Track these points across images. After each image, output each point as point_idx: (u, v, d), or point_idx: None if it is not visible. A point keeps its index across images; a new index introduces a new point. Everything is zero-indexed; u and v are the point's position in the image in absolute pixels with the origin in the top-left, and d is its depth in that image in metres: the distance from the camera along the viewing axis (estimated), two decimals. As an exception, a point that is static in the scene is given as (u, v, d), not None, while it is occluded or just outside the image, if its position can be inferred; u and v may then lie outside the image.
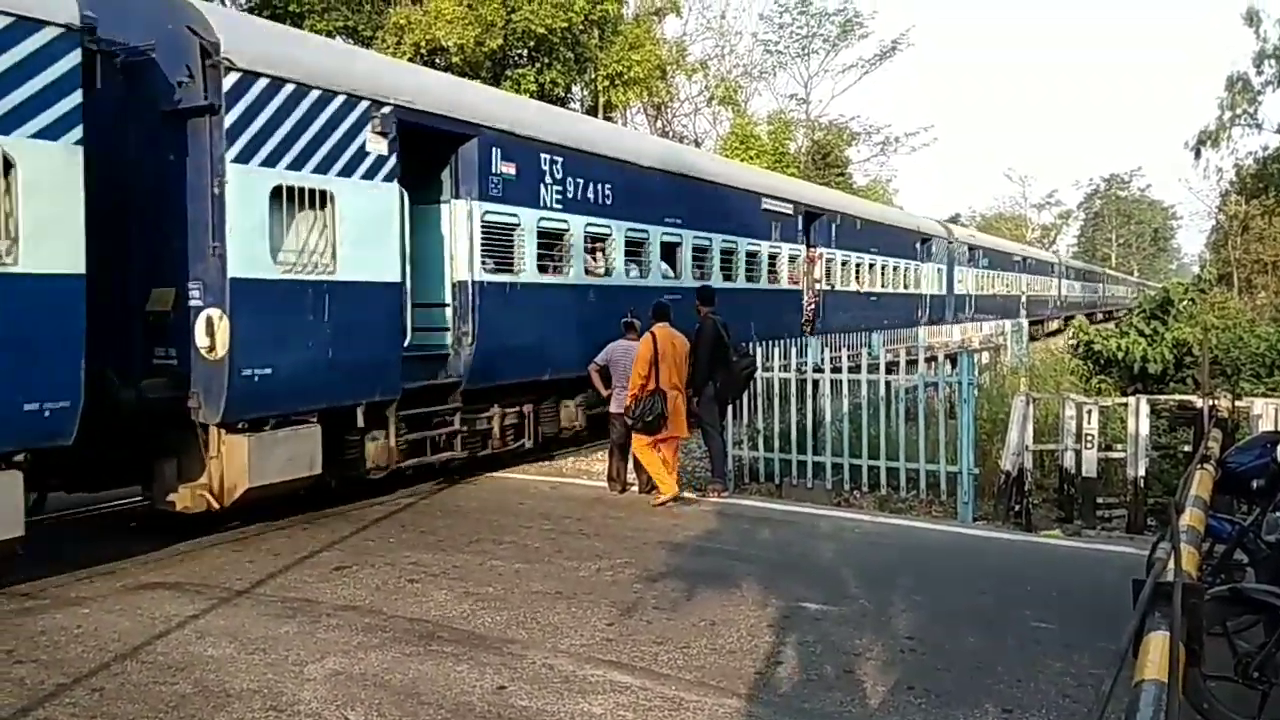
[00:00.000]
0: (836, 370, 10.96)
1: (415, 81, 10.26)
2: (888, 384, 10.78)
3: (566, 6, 22.62)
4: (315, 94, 8.26)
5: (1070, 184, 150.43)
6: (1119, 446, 10.40)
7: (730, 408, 10.70)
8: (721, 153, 32.86)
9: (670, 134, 34.96)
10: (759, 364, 10.95)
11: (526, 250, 10.88)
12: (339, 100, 8.50)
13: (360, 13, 21.83)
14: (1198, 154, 35.99)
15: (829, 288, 19.89)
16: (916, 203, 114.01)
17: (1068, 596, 6.51)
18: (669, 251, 14.18)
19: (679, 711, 4.62)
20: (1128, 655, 2.78)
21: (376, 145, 8.84)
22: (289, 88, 8.02)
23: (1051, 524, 9.92)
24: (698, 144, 35.79)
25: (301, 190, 8.10)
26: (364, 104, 8.73)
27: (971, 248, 32.52)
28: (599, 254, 12.37)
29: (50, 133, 6.28)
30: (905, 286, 25.32)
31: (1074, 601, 6.37)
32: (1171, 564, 3.20)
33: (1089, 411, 10.26)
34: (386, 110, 8.89)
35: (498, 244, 10.49)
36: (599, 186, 12.16)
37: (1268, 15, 32.83)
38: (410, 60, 19.53)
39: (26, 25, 6.15)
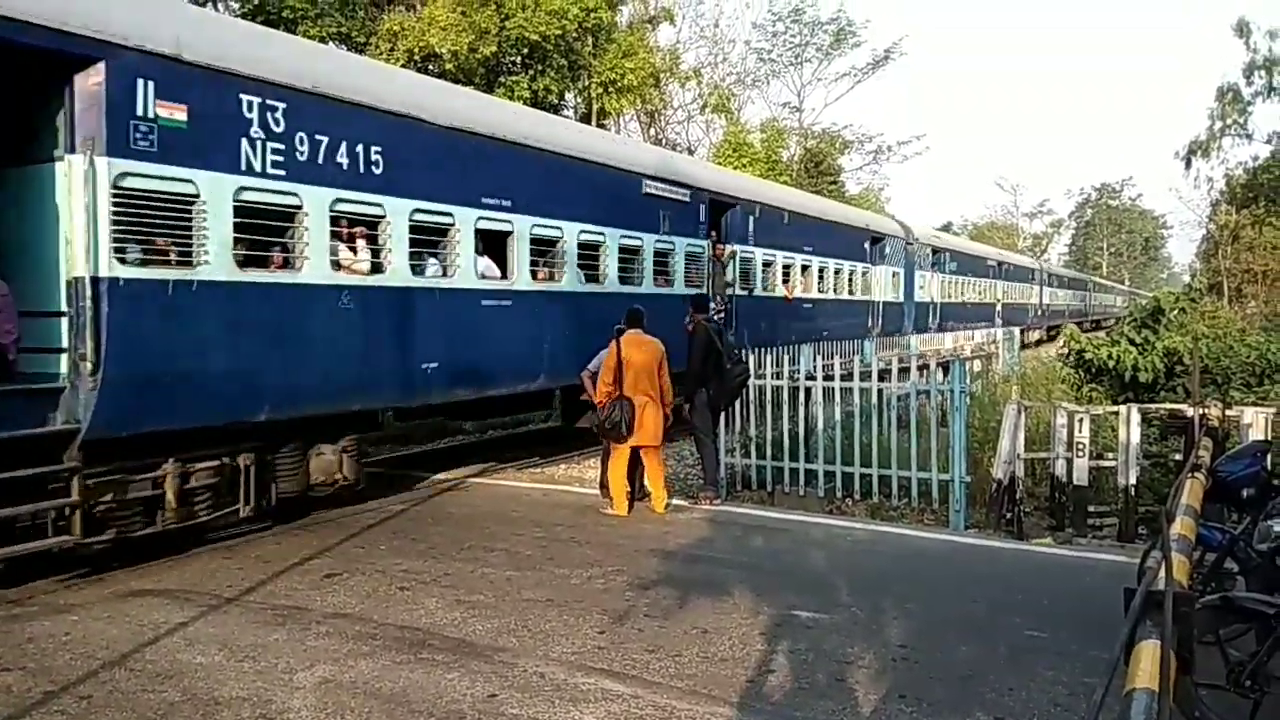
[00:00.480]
0: (829, 378, 10.97)
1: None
2: (880, 391, 10.77)
3: (560, 14, 22.64)
4: None
5: (1062, 193, 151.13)
6: (1110, 455, 10.41)
7: (723, 415, 10.70)
8: (715, 160, 32.89)
9: (664, 141, 35.00)
10: (751, 371, 10.96)
11: (212, 234, 7.43)
12: None
13: (353, 19, 21.81)
14: (1188, 164, 36.31)
15: (744, 292, 16.40)
16: (909, 211, 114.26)
17: (1059, 605, 6.51)
18: (495, 242, 10.79)
19: (670, 720, 4.61)
20: (1119, 664, 2.78)
21: None
22: None
23: (1043, 532, 9.92)
24: (690, 152, 35.86)
25: None
26: None
27: (936, 250, 29.40)
28: (363, 242, 9.01)
29: None
30: (850, 292, 21.98)
31: (1065, 610, 6.37)
32: (1163, 572, 3.20)
33: (1080, 420, 10.28)
34: None
35: (153, 223, 7.07)
36: (359, 148, 8.70)
37: (1258, 27, 33.14)
38: (404, 66, 19.53)
39: None
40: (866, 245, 23.05)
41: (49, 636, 5.70)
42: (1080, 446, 10.15)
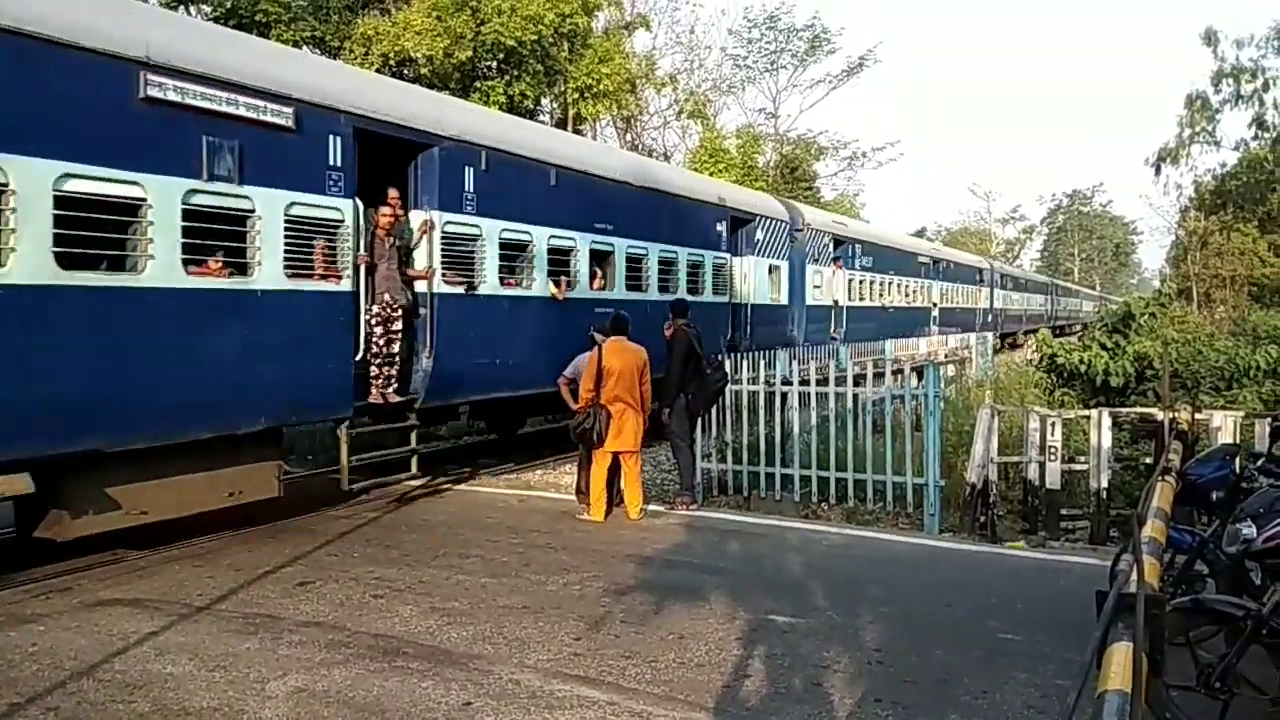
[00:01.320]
0: (805, 383, 11.01)
1: None
2: (855, 396, 10.83)
3: (536, 19, 22.62)
4: None
5: (1034, 199, 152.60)
6: (1082, 459, 10.53)
7: (700, 421, 10.71)
8: (691, 166, 32.96)
9: (640, 147, 35.04)
10: (729, 376, 10.98)
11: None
12: None
13: (327, 23, 21.69)
14: (1158, 170, 36.78)
15: (460, 288, 10.58)
16: (883, 217, 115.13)
17: (1032, 607, 6.55)
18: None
19: (647, 726, 4.59)
20: (1091, 667, 2.80)
21: None
22: None
23: (1016, 535, 10.01)
24: (667, 158, 35.93)
25: None
26: None
27: (840, 240, 23.49)
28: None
29: None
30: (694, 290, 15.58)
31: (1038, 612, 6.41)
32: (1134, 575, 3.22)
33: (1052, 424, 10.39)
34: None
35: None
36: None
37: (1225, 36, 33.65)
38: (379, 71, 19.45)
39: None
40: (722, 228, 16.74)
41: (15, 647, 5.60)
42: (1053, 450, 10.26)
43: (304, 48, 20.25)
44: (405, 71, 21.36)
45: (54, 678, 5.15)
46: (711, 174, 29.60)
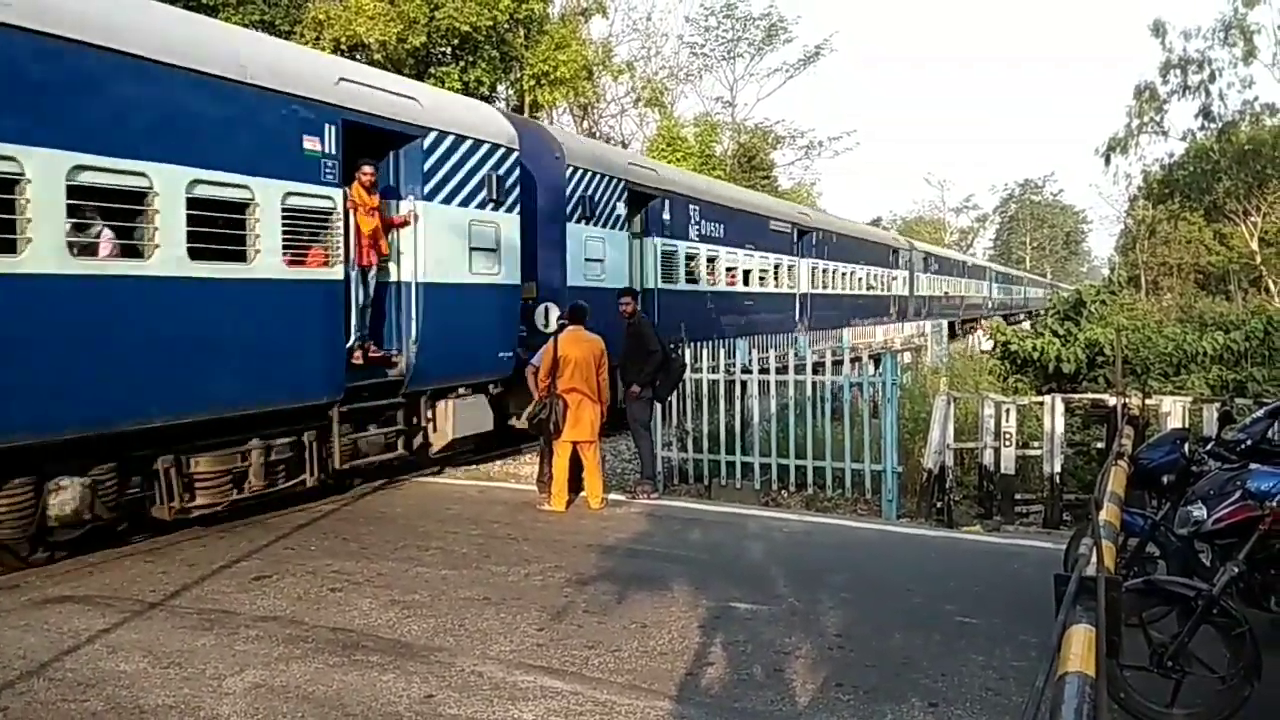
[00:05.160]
0: (765, 371, 11.06)
1: None
2: (814, 384, 10.90)
3: (491, 4, 22.43)
4: None
5: (987, 188, 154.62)
6: (1035, 444, 10.71)
7: (659, 409, 10.72)
8: (649, 154, 32.93)
9: (597, 134, 34.93)
10: (688, 364, 11.00)
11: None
12: None
13: (277, 7, 21.32)
14: (1107, 160, 37.44)
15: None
16: (840, 206, 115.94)
17: (989, 591, 6.65)
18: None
19: (611, 715, 4.59)
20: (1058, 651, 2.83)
21: None
22: None
23: (972, 520, 10.16)
24: (624, 145, 35.84)
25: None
26: None
27: (693, 202, 17.41)
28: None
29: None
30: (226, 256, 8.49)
31: (995, 596, 6.51)
32: (1094, 559, 3.27)
33: (1007, 410, 10.54)
34: None
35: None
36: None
37: (1173, 27, 34.31)
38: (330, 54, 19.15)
39: None
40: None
41: (-40, 647, 5.46)
42: (1007, 436, 10.42)
43: (254, 30, 19.87)
44: (357, 57, 21.06)
45: (2, 677, 5.01)
46: (670, 162, 29.55)
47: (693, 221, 17.38)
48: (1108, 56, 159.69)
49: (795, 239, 23.05)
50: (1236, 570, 4.40)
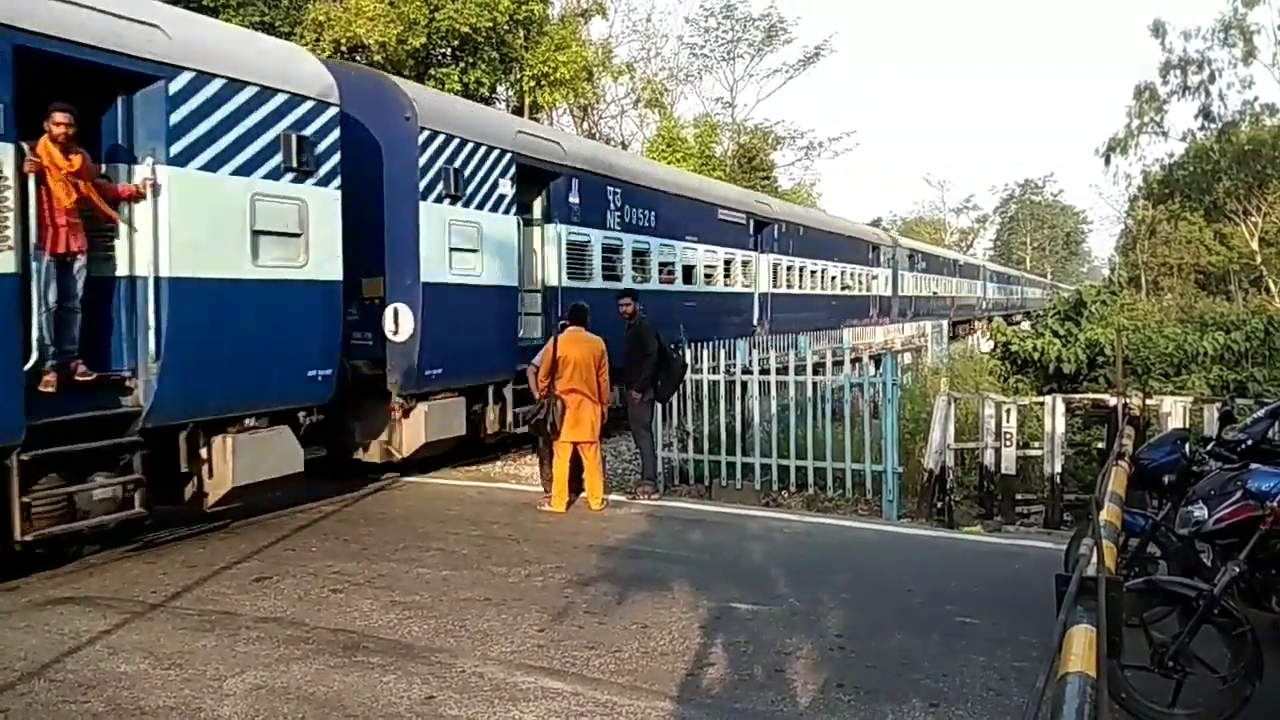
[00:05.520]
0: (765, 372, 11.06)
1: None
2: (815, 385, 10.90)
3: (491, 6, 22.42)
4: None
5: (987, 189, 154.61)
6: (1036, 444, 10.70)
7: (659, 410, 10.72)
8: (649, 155, 32.92)
9: (597, 135, 34.93)
10: (689, 365, 10.99)
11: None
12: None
13: (277, 8, 21.31)
14: (1107, 160, 37.41)
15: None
16: (840, 207, 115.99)
17: (990, 591, 6.65)
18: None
19: (611, 716, 4.59)
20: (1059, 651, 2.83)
21: None
22: None
23: (973, 520, 10.15)
24: (624, 146, 35.84)
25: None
26: None
27: (612, 183, 14.64)
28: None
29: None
30: None
31: (996, 596, 6.51)
32: (1094, 559, 3.27)
33: (1008, 411, 10.53)
34: None
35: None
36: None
37: (1173, 27, 34.30)
38: (330, 58, 19.15)
39: None
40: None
41: (-39, 649, 5.46)
42: (1008, 436, 10.41)
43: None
44: (358, 58, 21.07)
45: (3, 679, 5.02)
46: (669, 163, 29.54)
47: (612, 207, 14.56)
48: (1107, 57, 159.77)
49: (752, 231, 20.41)
50: (1237, 570, 4.40)
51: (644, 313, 10.15)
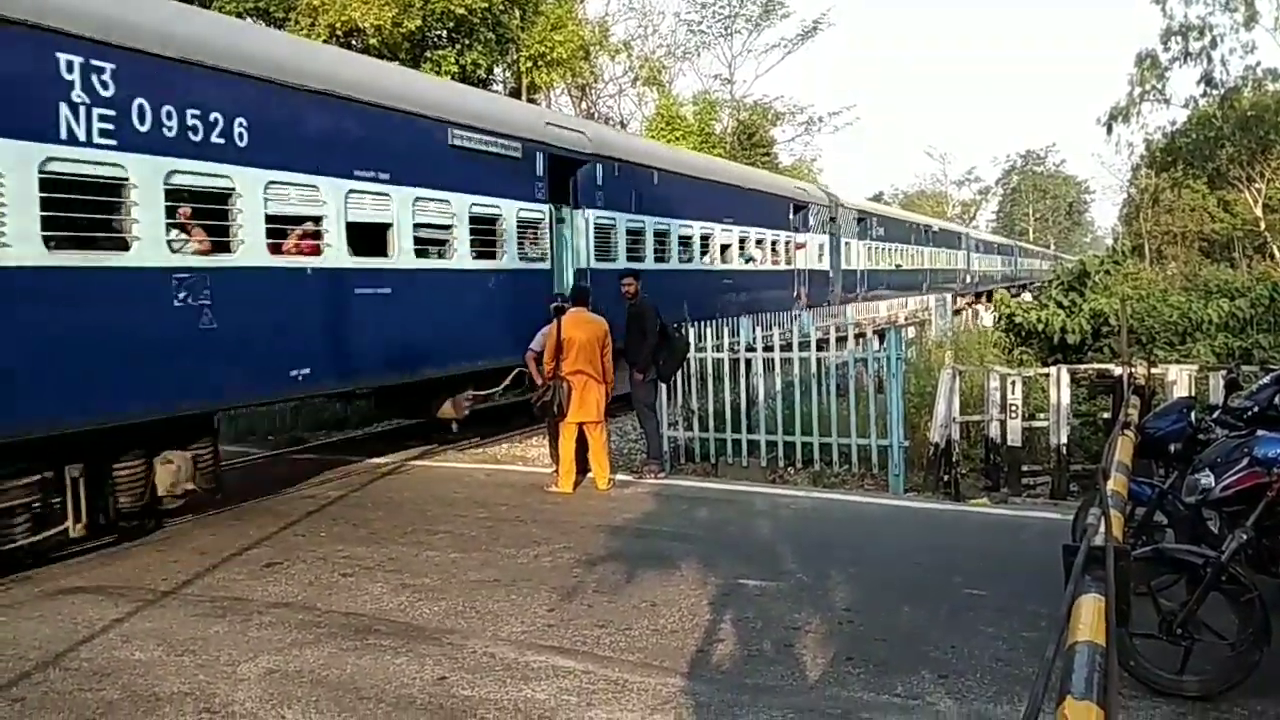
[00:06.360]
0: (769, 349, 11.05)
1: None
2: (819, 361, 10.89)
3: (486, -14, 22.29)
4: None
5: (988, 160, 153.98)
6: (1041, 415, 10.67)
7: (664, 388, 10.72)
8: (647, 134, 32.75)
9: (595, 115, 34.78)
10: (692, 343, 10.99)
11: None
12: None
13: (272, -7, 21.21)
14: (1109, 129, 37.27)
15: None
16: (841, 182, 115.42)
17: (997, 563, 6.66)
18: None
19: (623, 693, 4.62)
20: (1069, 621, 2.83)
21: None
22: None
23: (979, 493, 10.15)
24: (623, 125, 35.69)
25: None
26: None
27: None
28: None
29: None
30: None
31: (1003, 568, 6.52)
32: (1102, 528, 3.27)
33: (1012, 382, 10.51)
34: None
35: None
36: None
37: (1174, -8, 33.95)
38: (326, 42, 19.05)
39: None
40: None
41: (-24, 640, 5.50)
42: (1013, 408, 10.39)
43: (247, 19, 19.77)
44: (353, 42, 20.96)
45: (18, 668, 5.06)
46: (669, 141, 29.39)
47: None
48: (1108, 25, 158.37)
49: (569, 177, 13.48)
50: (1245, 537, 4.40)
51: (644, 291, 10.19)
